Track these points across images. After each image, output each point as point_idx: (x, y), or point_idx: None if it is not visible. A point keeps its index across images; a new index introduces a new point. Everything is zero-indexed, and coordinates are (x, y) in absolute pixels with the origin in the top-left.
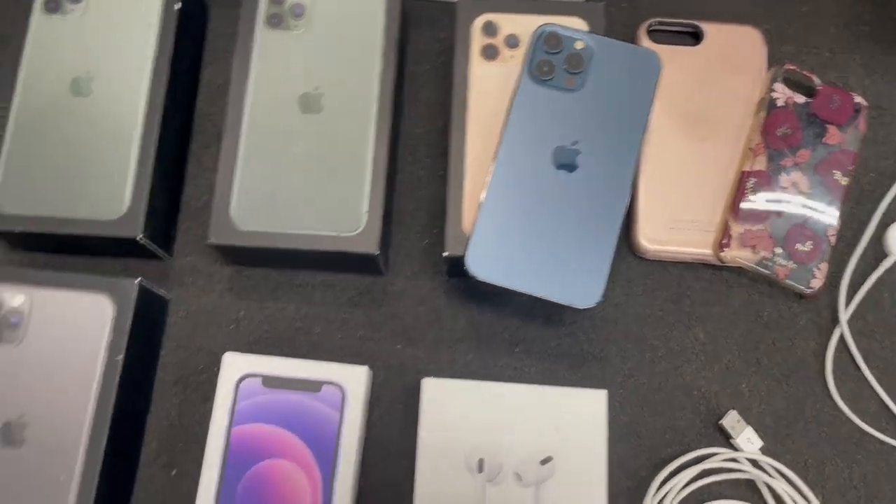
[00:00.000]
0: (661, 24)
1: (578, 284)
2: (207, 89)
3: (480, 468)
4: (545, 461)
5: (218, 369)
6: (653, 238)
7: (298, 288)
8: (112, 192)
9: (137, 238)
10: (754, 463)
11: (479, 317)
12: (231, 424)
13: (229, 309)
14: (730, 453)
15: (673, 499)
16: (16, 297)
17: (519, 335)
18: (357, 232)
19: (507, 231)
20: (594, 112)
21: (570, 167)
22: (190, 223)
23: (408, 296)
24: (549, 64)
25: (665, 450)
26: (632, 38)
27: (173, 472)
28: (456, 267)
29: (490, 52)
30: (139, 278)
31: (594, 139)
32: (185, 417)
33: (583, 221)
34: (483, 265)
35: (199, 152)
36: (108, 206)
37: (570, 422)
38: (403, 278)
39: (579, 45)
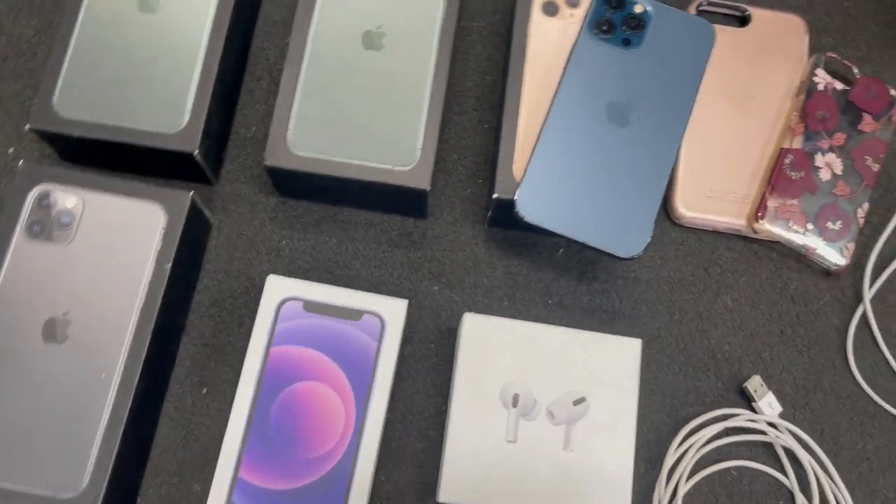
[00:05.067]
0: (710, 3)
1: (623, 235)
2: (264, 25)
3: (515, 403)
4: (578, 402)
5: (255, 295)
6: (690, 205)
7: (341, 223)
8: (172, 107)
9: (193, 153)
10: (773, 427)
11: (516, 267)
12: (270, 344)
13: (271, 238)
14: (752, 415)
15: (695, 454)
16: (69, 199)
17: (553, 288)
18: (410, 167)
19: (557, 177)
20: (649, 72)
21: (622, 122)
22: (238, 151)
23: (447, 241)
24: (608, 22)
25: (687, 409)
26: None
27: (204, 391)
28: (501, 211)
29: (551, 10)
30: (192, 191)
31: (647, 98)
32: (218, 339)
33: (631, 176)
34: (532, 208)
35: (250, 84)
36: (167, 120)
37: (603, 366)
38: (444, 224)
39: (639, 9)
